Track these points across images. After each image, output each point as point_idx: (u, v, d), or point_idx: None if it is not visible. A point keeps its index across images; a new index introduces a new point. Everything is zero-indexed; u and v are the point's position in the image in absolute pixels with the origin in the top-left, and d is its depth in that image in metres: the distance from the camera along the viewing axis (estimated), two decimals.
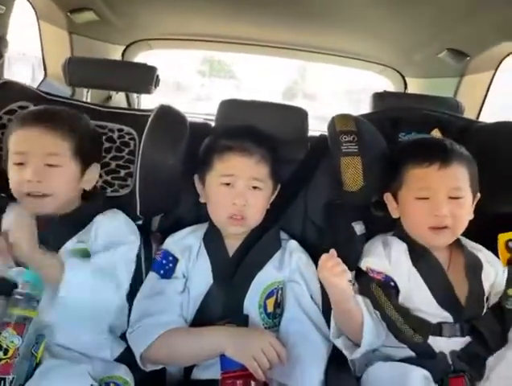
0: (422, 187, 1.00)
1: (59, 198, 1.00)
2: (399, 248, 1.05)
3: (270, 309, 1.07)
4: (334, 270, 0.91)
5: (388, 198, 1.09)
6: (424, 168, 1.00)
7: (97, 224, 1.04)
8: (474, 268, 1.03)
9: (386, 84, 2.63)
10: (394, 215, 1.09)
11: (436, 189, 0.99)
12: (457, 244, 1.06)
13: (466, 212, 1.02)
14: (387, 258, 1.04)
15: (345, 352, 0.98)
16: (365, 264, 1.06)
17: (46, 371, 0.81)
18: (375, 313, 0.99)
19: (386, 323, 0.99)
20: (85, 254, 1.01)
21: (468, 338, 0.97)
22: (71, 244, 1.01)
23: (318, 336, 1.02)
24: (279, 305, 1.09)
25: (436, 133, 1.20)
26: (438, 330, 0.97)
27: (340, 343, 0.99)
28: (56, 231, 1.01)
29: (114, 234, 1.04)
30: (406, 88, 2.52)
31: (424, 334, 0.96)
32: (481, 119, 1.97)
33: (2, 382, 0.77)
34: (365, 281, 1.03)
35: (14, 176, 0.99)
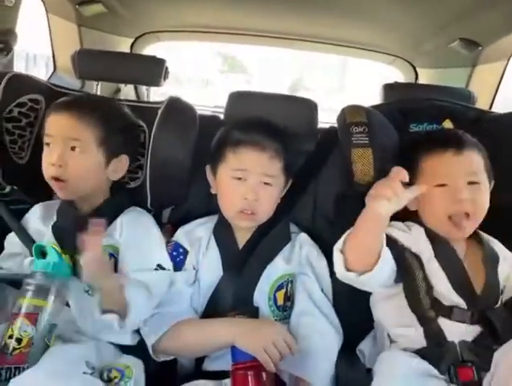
0: (439, 174, 1.00)
1: (79, 184, 1.03)
2: (419, 231, 1.05)
3: (280, 301, 1.08)
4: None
5: None
6: (439, 155, 1.01)
7: (121, 226, 1.05)
8: (491, 261, 1.02)
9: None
10: (412, 207, 1.06)
11: (454, 174, 0.99)
12: (474, 235, 1.05)
13: (485, 198, 1.01)
14: (410, 235, 1.04)
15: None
16: (392, 234, 1.03)
17: (46, 357, 0.82)
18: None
19: (410, 291, 0.99)
20: (114, 250, 1.04)
21: (478, 329, 0.96)
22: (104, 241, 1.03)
23: (329, 329, 1.02)
24: (289, 298, 1.09)
25: (448, 124, 1.19)
26: (448, 312, 0.96)
27: (338, 258, 0.94)
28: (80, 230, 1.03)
29: (145, 250, 1.04)
30: (417, 78, 2.49)
31: (437, 311, 0.96)
32: (493, 109, 1.94)
33: (17, 371, 0.78)
34: (398, 248, 1.01)
35: (44, 158, 1.04)
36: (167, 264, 1.05)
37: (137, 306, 0.94)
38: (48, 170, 1.02)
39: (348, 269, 0.93)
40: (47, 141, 1.03)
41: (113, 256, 1.03)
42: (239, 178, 1.06)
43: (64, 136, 1.00)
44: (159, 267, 1.03)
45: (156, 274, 1.02)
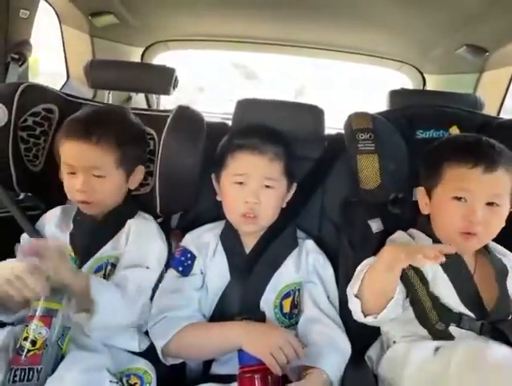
0: (461, 188, 0.96)
1: (106, 203, 1.08)
2: (423, 241, 1.03)
3: (286, 309, 1.08)
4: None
5: (421, 192, 1.06)
6: (468, 168, 0.95)
7: (127, 232, 1.09)
8: (500, 274, 1.00)
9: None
10: (424, 211, 1.06)
11: (476, 192, 0.95)
12: (484, 248, 1.04)
13: (499, 222, 0.97)
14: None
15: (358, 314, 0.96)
16: None
17: (68, 364, 0.83)
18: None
19: (415, 307, 0.98)
20: (116, 260, 1.06)
21: (489, 340, 0.95)
22: (106, 250, 1.07)
23: (339, 333, 1.03)
24: (296, 305, 1.09)
25: (454, 131, 1.18)
26: (458, 319, 0.95)
27: (355, 304, 0.96)
28: (95, 236, 1.08)
29: (139, 255, 1.06)
30: (424, 84, 2.49)
31: (447, 322, 0.96)
32: (501, 115, 1.93)
33: (31, 372, 0.80)
34: None
35: (67, 183, 1.07)
36: (152, 265, 1.06)
37: (104, 304, 0.92)
38: (75, 195, 1.05)
39: (365, 314, 0.95)
40: (67, 170, 1.05)
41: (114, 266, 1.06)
42: (240, 183, 1.08)
43: (84, 165, 1.03)
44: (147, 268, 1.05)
45: (139, 270, 1.03)
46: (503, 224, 0.99)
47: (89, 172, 1.04)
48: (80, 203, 1.06)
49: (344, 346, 1.01)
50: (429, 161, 1.05)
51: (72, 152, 1.05)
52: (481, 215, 0.94)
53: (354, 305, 0.97)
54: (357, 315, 0.97)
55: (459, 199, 0.97)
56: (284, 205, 1.16)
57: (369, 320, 0.95)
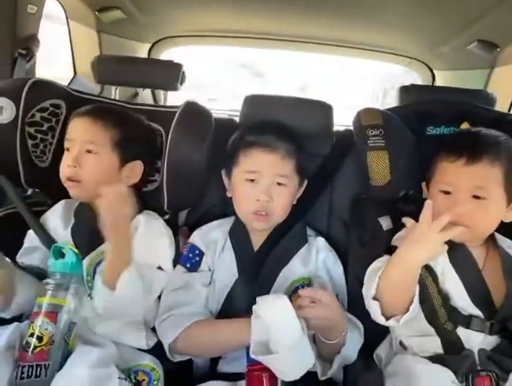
0: (445, 181, 0.97)
1: (92, 185, 1.04)
2: None
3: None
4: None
5: (424, 187, 1.07)
6: (450, 162, 0.96)
7: (133, 228, 1.06)
8: (509, 269, 0.99)
9: None
10: None
11: (459, 185, 0.94)
12: (494, 242, 1.03)
13: (489, 215, 0.96)
14: None
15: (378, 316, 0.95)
16: None
17: (76, 360, 0.84)
18: None
19: (425, 304, 0.96)
20: None
21: (499, 339, 0.94)
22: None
23: (353, 321, 1.03)
24: None
25: (466, 127, 1.17)
26: (467, 321, 0.94)
27: (374, 306, 0.95)
28: (96, 231, 1.03)
29: (151, 252, 1.06)
30: (434, 80, 2.47)
31: (455, 322, 0.95)
32: None
33: (39, 368, 0.80)
34: None
35: (62, 161, 1.09)
36: (167, 266, 1.08)
37: (125, 282, 0.94)
38: (64, 171, 1.06)
39: (386, 317, 0.94)
40: (66, 145, 1.08)
41: None
42: (252, 180, 1.07)
43: (80, 139, 1.06)
44: (159, 269, 1.06)
45: (156, 272, 1.05)
46: (497, 218, 0.97)
47: (83, 146, 1.05)
48: (69, 181, 1.05)
49: (361, 329, 1.02)
50: (429, 157, 1.05)
51: (73, 127, 1.09)
52: (465, 208, 0.93)
53: (373, 308, 0.95)
54: (378, 318, 0.95)
55: (446, 192, 0.97)
56: (295, 202, 1.15)
57: (392, 323, 0.94)
